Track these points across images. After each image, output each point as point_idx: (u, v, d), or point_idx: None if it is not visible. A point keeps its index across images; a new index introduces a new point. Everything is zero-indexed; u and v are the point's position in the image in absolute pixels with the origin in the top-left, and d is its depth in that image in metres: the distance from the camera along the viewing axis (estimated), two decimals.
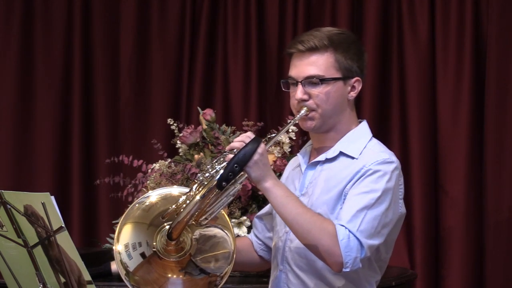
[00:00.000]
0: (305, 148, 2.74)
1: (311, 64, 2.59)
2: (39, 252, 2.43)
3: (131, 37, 4.61)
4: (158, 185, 3.57)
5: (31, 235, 2.42)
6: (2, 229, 2.46)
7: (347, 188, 2.53)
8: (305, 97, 2.59)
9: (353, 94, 2.63)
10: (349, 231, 2.44)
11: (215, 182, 2.41)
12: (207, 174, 2.46)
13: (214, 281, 2.48)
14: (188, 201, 2.43)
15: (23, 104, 4.58)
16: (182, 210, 2.43)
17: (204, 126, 3.75)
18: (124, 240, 2.49)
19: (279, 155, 3.63)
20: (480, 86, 4.33)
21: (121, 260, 2.47)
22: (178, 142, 3.75)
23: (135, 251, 2.48)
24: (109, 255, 3.59)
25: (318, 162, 2.64)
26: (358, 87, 2.64)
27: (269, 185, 2.47)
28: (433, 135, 4.37)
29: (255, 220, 2.85)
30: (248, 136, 2.49)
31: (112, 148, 4.55)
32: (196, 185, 2.46)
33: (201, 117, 3.79)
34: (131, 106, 4.61)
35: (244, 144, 2.45)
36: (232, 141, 2.51)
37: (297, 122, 2.62)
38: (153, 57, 4.60)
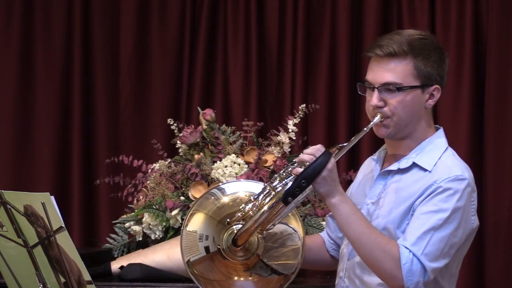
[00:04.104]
0: (379, 153, 2.67)
1: (389, 71, 2.49)
2: (39, 252, 2.43)
3: (131, 37, 4.60)
4: (158, 185, 3.57)
5: (31, 235, 2.42)
6: (2, 229, 2.47)
7: (416, 204, 2.46)
8: (381, 103, 2.51)
9: (431, 102, 2.54)
10: (413, 254, 2.39)
11: (282, 196, 2.39)
12: (274, 184, 2.44)
13: (287, 279, 2.49)
14: (255, 210, 2.43)
15: (23, 104, 4.57)
16: (248, 219, 2.43)
17: (204, 126, 3.75)
18: (193, 226, 2.48)
19: (279, 155, 3.63)
20: (480, 86, 4.33)
21: (185, 245, 2.47)
22: (178, 142, 3.74)
23: (200, 242, 2.47)
24: (109, 255, 3.59)
25: (391, 172, 2.57)
26: (437, 95, 2.55)
27: (336, 201, 2.43)
28: None
29: (328, 218, 2.78)
30: (319, 149, 2.43)
31: (112, 148, 4.54)
32: (262, 194, 2.45)
33: (201, 117, 3.79)
34: (131, 106, 4.60)
35: (314, 158, 2.40)
36: (302, 153, 2.45)
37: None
38: (153, 57, 4.60)
